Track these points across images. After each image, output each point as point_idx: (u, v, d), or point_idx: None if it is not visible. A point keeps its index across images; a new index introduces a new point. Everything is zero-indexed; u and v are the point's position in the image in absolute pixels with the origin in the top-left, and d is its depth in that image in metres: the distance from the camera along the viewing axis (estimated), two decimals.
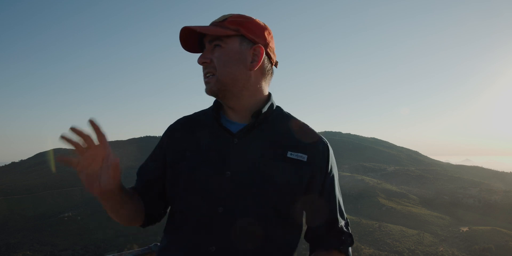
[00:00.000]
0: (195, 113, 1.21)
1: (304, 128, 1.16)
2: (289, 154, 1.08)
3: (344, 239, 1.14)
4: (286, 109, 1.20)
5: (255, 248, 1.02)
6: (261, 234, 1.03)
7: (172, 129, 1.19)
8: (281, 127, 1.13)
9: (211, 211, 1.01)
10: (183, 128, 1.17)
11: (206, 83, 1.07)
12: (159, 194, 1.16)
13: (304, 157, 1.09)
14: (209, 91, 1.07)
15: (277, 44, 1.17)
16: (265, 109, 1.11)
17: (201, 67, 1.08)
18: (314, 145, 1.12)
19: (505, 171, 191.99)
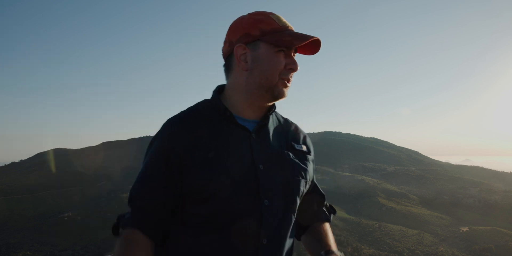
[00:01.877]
0: (190, 110, 1.13)
1: (291, 122, 1.25)
2: (296, 146, 1.16)
3: (330, 211, 1.31)
4: (286, 108, 1.23)
5: (288, 235, 1.09)
6: (291, 221, 1.10)
7: (175, 135, 1.05)
8: (279, 122, 1.20)
9: (259, 204, 1.01)
10: (188, 129, 1.06)
11: (286, 87, 1.10)
12: (169, 212, 1.06)
13: (305, 148, 1.19)
14: (286, 95, 1.11)
15: None
16: (275, 106, 1.18)
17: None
18: (304, 136, 1.24)
19: (505, 171, 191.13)
